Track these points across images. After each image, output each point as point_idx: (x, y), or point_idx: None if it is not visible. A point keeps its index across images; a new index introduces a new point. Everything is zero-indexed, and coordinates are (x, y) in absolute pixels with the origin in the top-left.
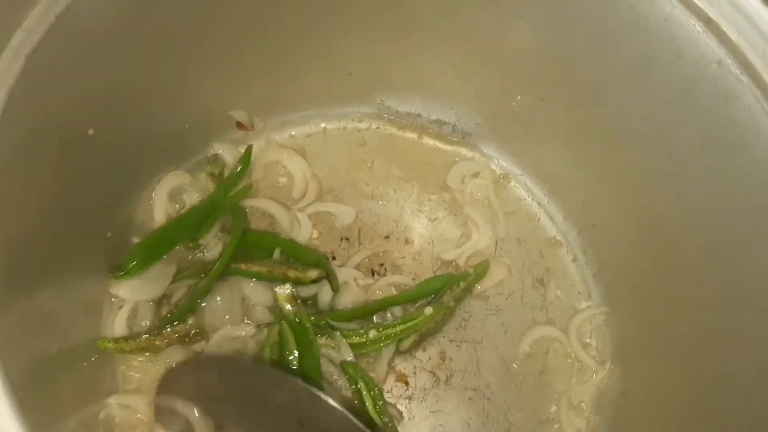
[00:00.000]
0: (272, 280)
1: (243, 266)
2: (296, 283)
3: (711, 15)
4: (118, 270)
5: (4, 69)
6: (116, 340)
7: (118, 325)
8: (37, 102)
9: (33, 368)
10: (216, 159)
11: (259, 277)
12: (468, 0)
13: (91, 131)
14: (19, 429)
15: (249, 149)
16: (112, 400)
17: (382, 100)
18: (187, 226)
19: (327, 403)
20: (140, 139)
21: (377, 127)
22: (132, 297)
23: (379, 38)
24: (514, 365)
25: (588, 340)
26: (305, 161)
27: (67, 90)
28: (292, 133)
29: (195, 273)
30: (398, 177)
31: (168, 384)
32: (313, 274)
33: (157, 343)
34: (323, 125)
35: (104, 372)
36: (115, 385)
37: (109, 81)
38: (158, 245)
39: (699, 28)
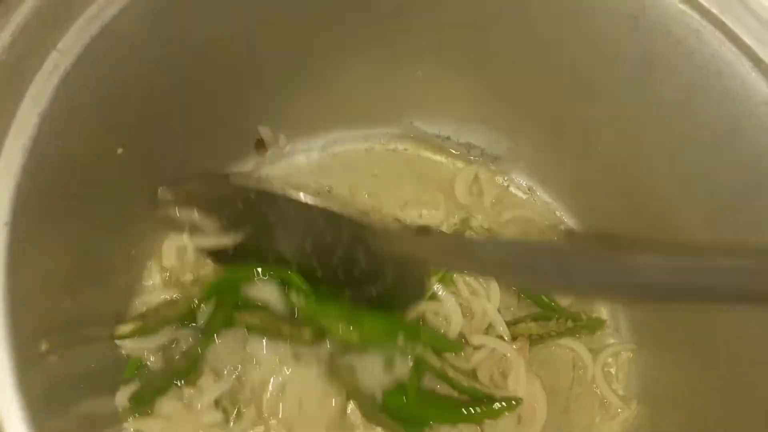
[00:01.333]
0: (268, 334)
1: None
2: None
3: (761, 55)
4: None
5: (37, 92)
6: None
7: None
8: (70, 123)
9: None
10: None
11: (254, 329)
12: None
13: (120, 150)
14: None
15: None
16: (128, 425)
17: (412, 122)
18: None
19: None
20: (165, 157)
21: (405, 149)
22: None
23: (411, 59)
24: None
25: (613, 376)
26: None
27: (98, 110)
28: (316, 153)
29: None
30: (425, 199)
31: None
32: (306, 334)
33: None
34: (351, 145)
35: None
36: None
37: (140, 101)
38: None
39: (748, 68)
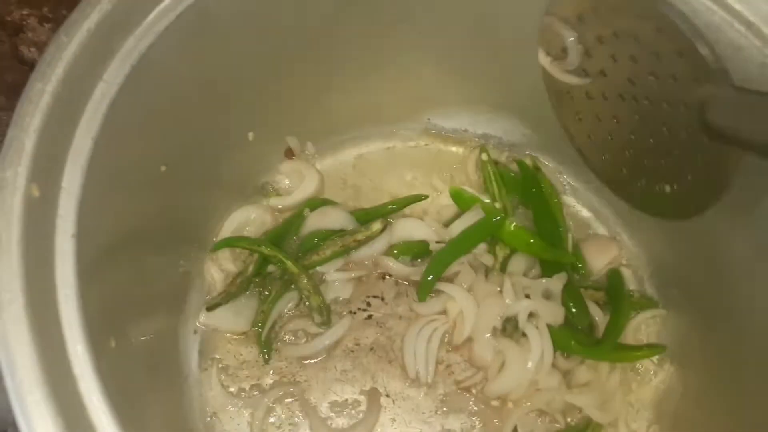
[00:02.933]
0: (348, 251)
1: (315, 257)
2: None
3: (751, 18)
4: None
5: (89, 119)
6: None
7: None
8: (119, 145)
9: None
10: (270, 186)
11: (335, 256)
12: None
13: (163, 168)
14: None
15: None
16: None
17: (429, 119)
18: None
19: None
20: (203, 171)
21: (426, 145)
22: (220, 327)
23: (427, 60)
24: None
25: (645, 341)
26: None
27: (143, 132)
28: (342, 155)
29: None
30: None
31: (556, 5)
32: (376, 226)
33: None
34: (373, 146)
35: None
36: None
37: (178, 122)
38: None
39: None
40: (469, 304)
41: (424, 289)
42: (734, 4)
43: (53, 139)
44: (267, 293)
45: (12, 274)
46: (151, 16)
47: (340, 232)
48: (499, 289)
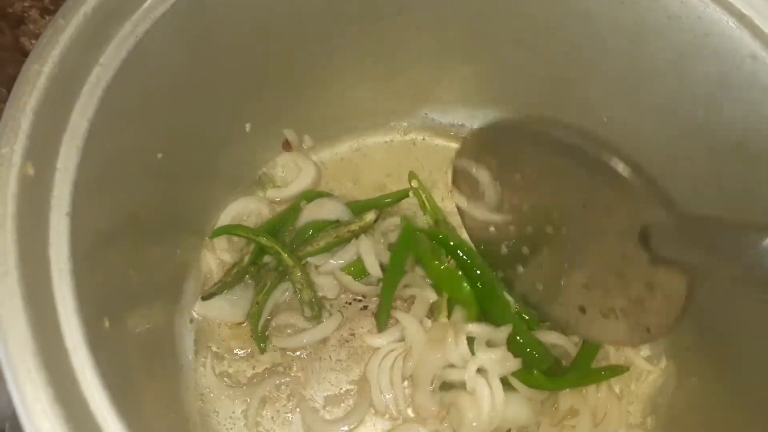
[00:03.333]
0: (341, 242)
1: (309, 248)
2: (364, 231)
3: (744, 10)
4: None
5: (85, 101)
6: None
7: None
8: (115, 128)
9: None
10: (267, 178)
11: (329, 247)
12: (504, 17)
13: (160, 155)
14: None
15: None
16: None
17: (426, 113)
18: None
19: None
20: (201, 160)
21: (423, 139)
22: (216, 317)
23: (425, 54)
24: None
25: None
26: None
27: (138, 117)
28: (339, 148)
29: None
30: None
31: (467, 147)
32: (370, 216)
33: None
34: (371, 140)
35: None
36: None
37: (174, 109)
38: None
39: (732, 24)
40: (417, 341)
41: (381, 319)
42: None
43: (49, 120)
44: (262, 284)
45: (6, 247)
46: (148, 2)
47: (336, 223)
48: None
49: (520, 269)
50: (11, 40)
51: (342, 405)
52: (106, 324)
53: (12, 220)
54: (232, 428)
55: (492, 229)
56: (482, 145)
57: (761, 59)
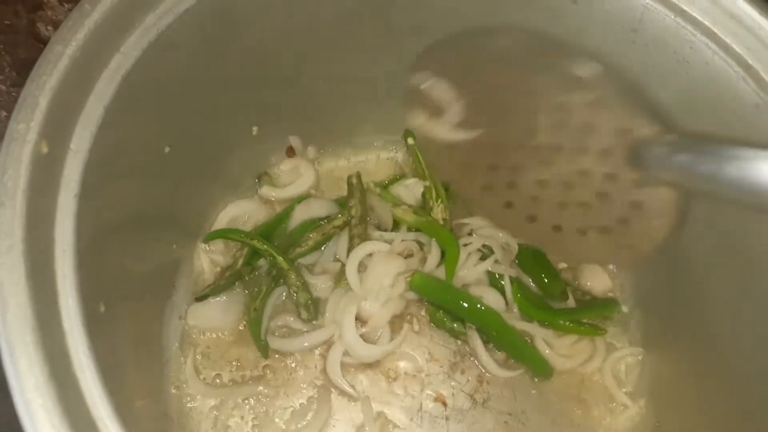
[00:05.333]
0: (329, 239)
1: (299, 249)
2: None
3: (750, 61)
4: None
5: (103, 87)
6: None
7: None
8: (128, 117)
9: None
10: (266, 178)
11: (318, 245)
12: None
13: (167, 149)
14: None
15: None
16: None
17: None
18: None
19: None
20: (207, 158)
21: None
22: (209, 326)
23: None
24: (549, 393)
25: (622, 376)
26: None
27: (151, 109)
28: (343, 161)
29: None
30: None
31: (424, 62)
32: (354, 209)
33: None
34: (374, 155)
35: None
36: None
37: (187, 104)
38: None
39: (739, 74)
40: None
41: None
42: (735, 47)
43: (66, 101)
44: (258, 290)
45: (14, 222)
46: None
47: (327, 218)
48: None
49: (503, 198)
50: (27, 24)
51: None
52: (102, 309)
53: (23, 195)
54: (206, 427)
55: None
56: (440, 58)
57: (764, 110)
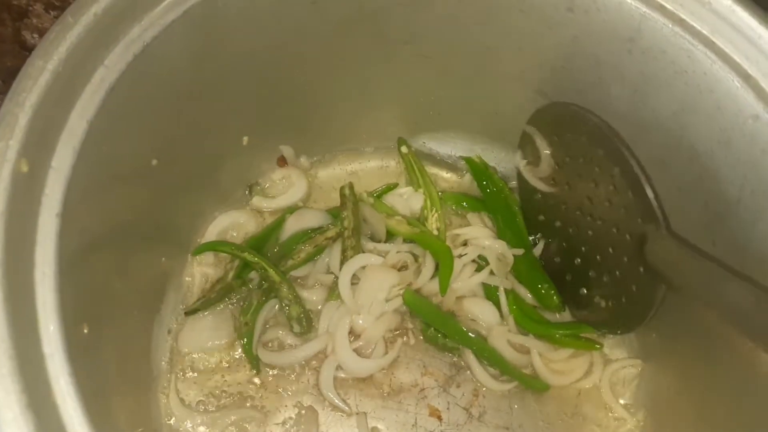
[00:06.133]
0: (321, 251)
1: (291, 261)
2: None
3: (750, 71)
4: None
5: (86, 101)
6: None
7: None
8: (113, 132)
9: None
10: (257, 188)
11: (310, 258)
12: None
13: (155, 162)
14: None
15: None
16: None
17: (425, 142)
18: None
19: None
20: (195, 170)
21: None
22: (197, 347)
23: (429, 83)
24: (546, 406)
25: (620, 388)
26: None
27: (137, 122)
28: (335, 170)
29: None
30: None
31: (538, 118)
32: (347, 221)
33: None
34: (367, 164)
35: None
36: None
37: (174, 117)
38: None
39: (738, 84)
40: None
41: None
42: (734, 56)
43: (48, 118)
44: (248, 303)
45: None
46: (159, 7)
47: (320, 229)
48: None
49: (548, 240)
50: (12, 33)
51: None
52: (85, 330)
53: (1, 216)
54: None
55: (538, 196)
56: (548, 121)
57: (764, 120)
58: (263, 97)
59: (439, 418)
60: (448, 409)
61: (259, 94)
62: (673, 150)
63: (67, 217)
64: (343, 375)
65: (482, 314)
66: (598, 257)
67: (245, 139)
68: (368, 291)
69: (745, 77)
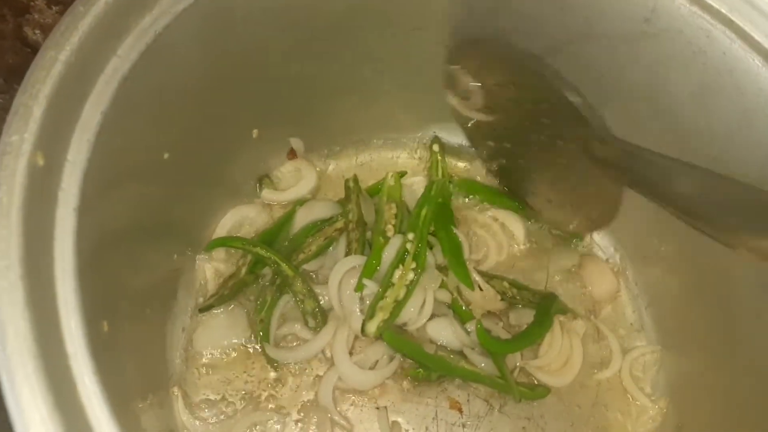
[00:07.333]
0: (332, 242)
1: (302, 255)
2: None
3: None
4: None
5: (100, 92)
6: None
7: None
8: (127, 123)
9: None
10: (267, 181)
11: (321, 250)
12: (523, 36)
13: (166, 155)
14: None
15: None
16: None
17: (435, 132)
18: None
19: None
20: (206, 162)
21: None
22: (212, 346)
23: (439, 74)
24: (568, 396)
25: (640, 375)
26: None
27: (149, 114)
28: (345, 162)
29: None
30: None
31: (455, 55)
32: (353, 212)
33: None
34: (377, 154)
35: None
36: None
37: (186, 108)
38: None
39: (758, 63)
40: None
41: None
42: (754, 35)
43: (62, 109)
44: (262, 301)
45: (10, 241)
46: None
47: (330, 220)
48: None
49: (503, 161)
50: (13, 28)
51: None
52: (105, 328)
53: (18, 212)
54: None
55: (479, 125)
56: (468, 54)
57: None
58: (272, 89)
59: (460, 410)
60: (468, 401)
61: (270, 86)
62: (691, 131)
63: (84, 212)
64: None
65: (447, 342)
66: (552, 168)
67: (255, 132)
68: (353, 294)
69: (766, 56)
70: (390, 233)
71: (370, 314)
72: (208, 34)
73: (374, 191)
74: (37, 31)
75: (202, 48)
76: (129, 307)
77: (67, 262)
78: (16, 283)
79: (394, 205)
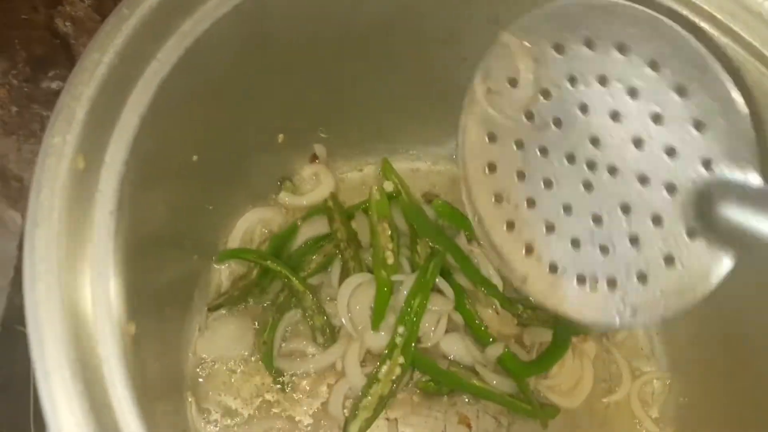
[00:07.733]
0: (332, 260)
1: (302, 273)
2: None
3: None
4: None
5: (138, 95)
6: None
7: None
8: (163, 127)
9: None
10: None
11: (320, 268)
12: None
13: (195, 157)
14: None
15: None
16: None
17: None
18: None
19: None
20: (233, 166)
21: (450, 169)
22: (217, 355)
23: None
24: (576, 417)
25: (649, 400)
26: None
27: (182, 118)
28: (364, 170)
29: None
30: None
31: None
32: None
33: None
34: (397, 165)
35: None
36: None
37: (216, 112)
38: None
39: None
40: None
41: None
42: None
43: (103, 112)
44: (270, 317)
45: (51, 244)
46: (213, 1)
47: (329, 237)
48: None
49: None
50: (44, 19)
51: None
52: (133, 330)
53: (59, 214)
54: None
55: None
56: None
57: None
58: (302, 94)
59: (469, 426)
60: (477, 417)
61: (299, 91)
62: None
63: (120, 215)
64: None
65: (457, 350)
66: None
67: (281, 137)
68: (363, 310)
69: None
70: (390, 260)
71: (353, 415)
72: (244, 39)
73: (364, 209)
74: (68, 23)
75: (237, 52)
76: (153, 308)
77: (103, 266)
78: (55, 286)
79: (386, 225)
